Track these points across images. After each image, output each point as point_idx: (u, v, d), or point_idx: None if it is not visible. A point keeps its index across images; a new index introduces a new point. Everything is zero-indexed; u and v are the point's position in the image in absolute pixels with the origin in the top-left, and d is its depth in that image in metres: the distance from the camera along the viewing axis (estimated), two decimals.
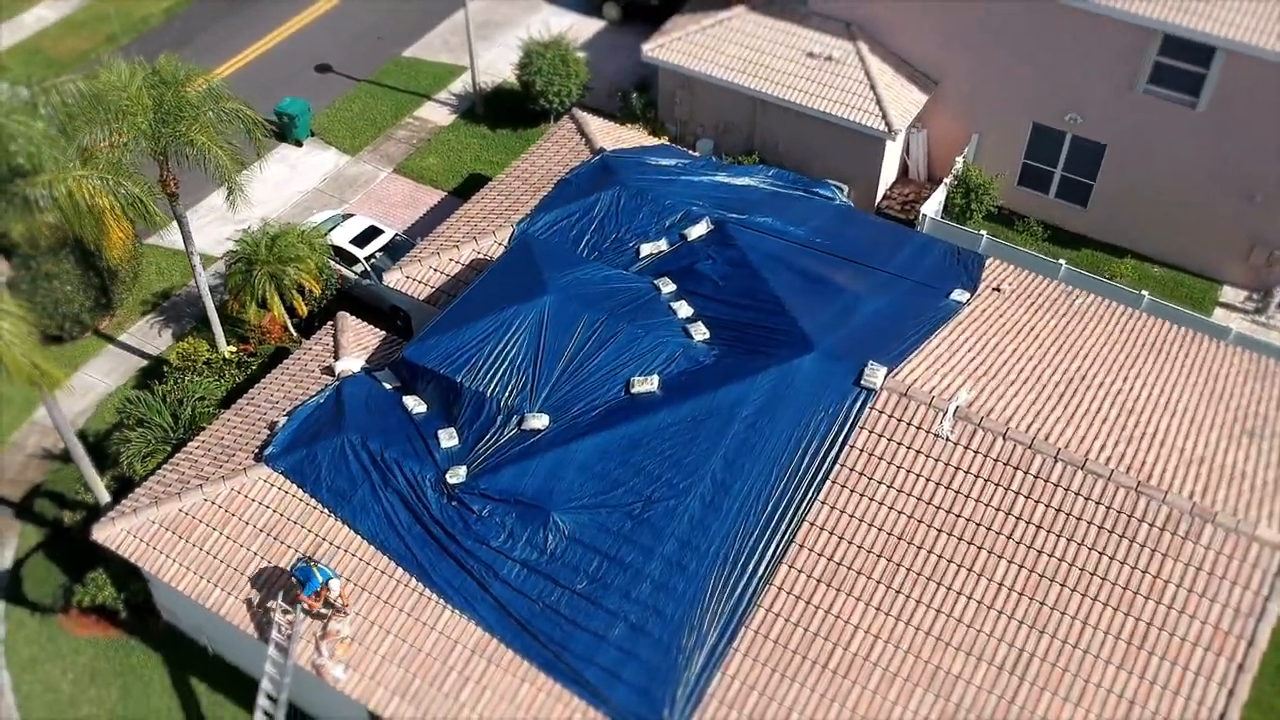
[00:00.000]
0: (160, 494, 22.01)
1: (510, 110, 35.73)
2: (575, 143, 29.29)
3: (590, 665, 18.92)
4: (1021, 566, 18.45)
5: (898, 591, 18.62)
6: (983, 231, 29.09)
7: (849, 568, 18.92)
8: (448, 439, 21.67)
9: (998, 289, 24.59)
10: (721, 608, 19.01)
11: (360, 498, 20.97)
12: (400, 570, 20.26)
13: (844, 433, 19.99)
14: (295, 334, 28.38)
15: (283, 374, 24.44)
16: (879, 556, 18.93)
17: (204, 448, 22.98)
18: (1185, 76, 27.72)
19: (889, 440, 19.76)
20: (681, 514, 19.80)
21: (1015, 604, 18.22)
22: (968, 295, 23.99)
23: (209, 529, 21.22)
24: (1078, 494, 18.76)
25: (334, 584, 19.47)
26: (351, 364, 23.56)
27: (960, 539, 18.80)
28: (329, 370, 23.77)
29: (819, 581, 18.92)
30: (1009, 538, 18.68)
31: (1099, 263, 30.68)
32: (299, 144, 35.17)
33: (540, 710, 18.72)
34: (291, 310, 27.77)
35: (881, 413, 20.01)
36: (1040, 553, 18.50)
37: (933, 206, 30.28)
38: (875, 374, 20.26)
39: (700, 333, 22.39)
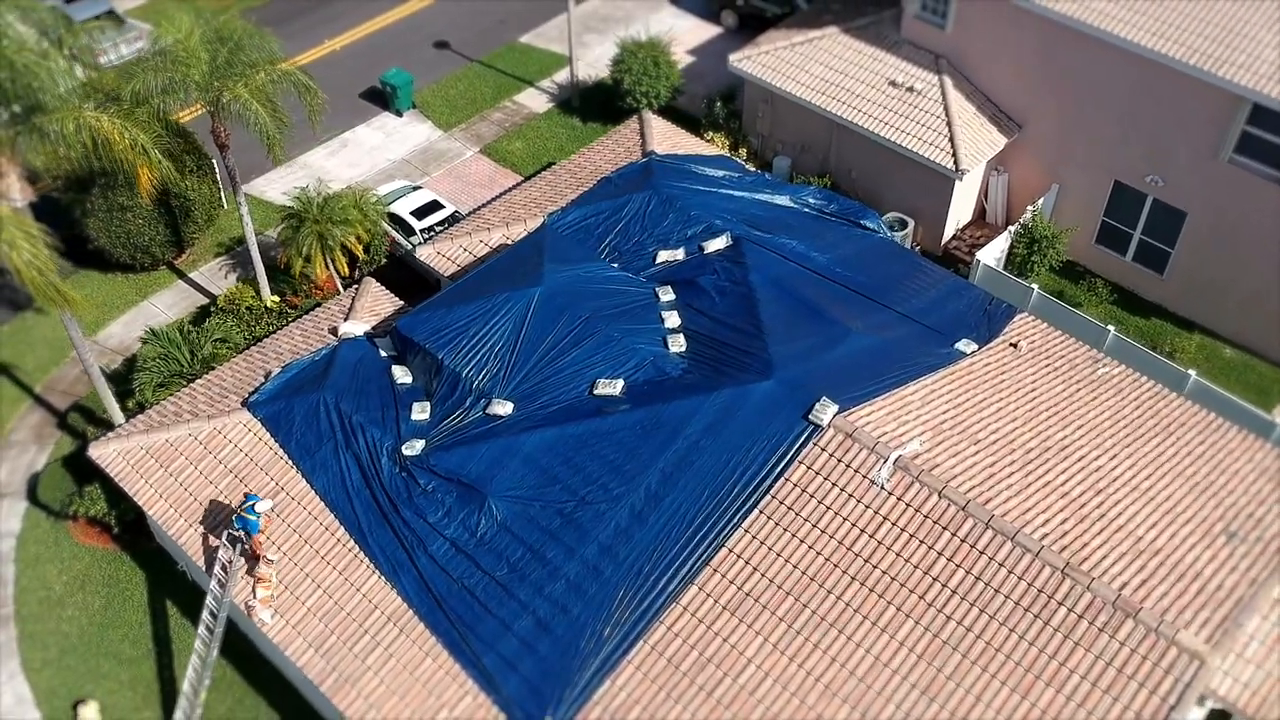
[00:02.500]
0: (155, 423, 23.39)
1: (604, 105, 36.15)
2: (634, 143, 29.48)
3: (491, 652, 19.20)
4: (927, 629, 17.78)
5: (798, 632, 18.21)
6: (1034, 285, 27.87)
7: (756, 600, 18.61)
8: (419, 412, 22.29)
9: (1014, 345, 23.61)
10: (625, 618, 18.98)
11: (322, 455, 21.79)
12: (342, 530, 20.98)
13: (781, 464, 19.63)
14: (344, 292, 29.52)
15: (297, 328, 25.55)
16: (787, 594, 18.55)
17: (206, 386, 24.27)
18: (1274, 150, 25.91)
19: (824, 479, 19.31)
20: (609, 520, 19.84)
21: (912, 666, 17.58)
22: (975, 347, 23.13)
23: (186, 462, 22.44)
24: (1000, 565, 17.94)
25: (261, 506, 20.40)
26: (355, 327, 24.43)
27: (871, 590, 18.25)
28: (335, 330, 24.71)
29: (724, 609, 18.68)
30: (921, 597, 18.02)
31: (1166, 335, 28.99)
32: (399, 114, 36.47)
33: (435, 686, 19.12)
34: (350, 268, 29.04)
35: (824, 450, 19.57)
36: (949, 619, 17.78)
37: (991, 253, 29.18)
38: (825, 410, 19.81)
39: (678, 345, 22.36)
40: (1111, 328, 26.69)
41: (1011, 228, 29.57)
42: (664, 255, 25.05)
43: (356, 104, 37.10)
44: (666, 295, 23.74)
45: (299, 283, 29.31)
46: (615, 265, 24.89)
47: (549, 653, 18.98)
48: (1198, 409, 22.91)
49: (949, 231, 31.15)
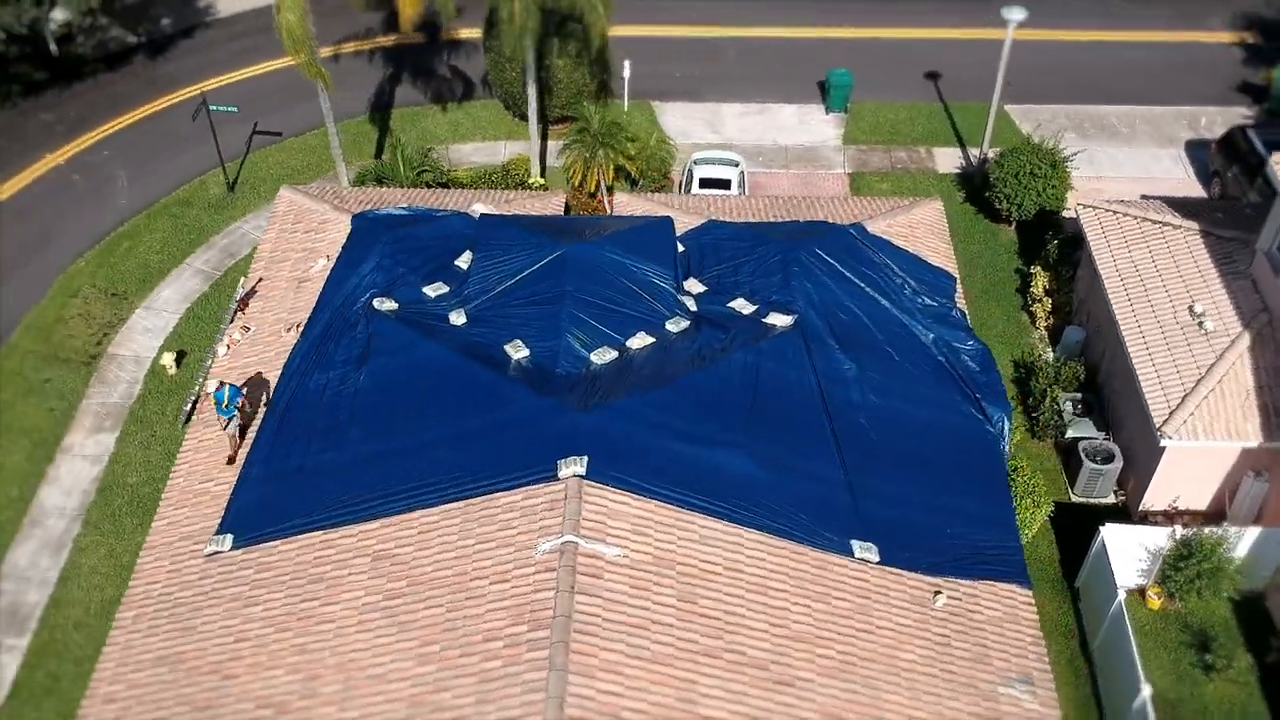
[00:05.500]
0: (328, 197, 28.35)
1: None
2: (881, 209, 27.86)
3: (264, 466, 21.56)
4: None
5: (358, 618, 18.35)
6: (1122, 588, 22.06)
7: (377, 564, 18.94)
8: (432, 289, 24.65)
9: (938, 592, 19.80)
10: (333, 511, 20.27)
11: (343, 274, 25.11)
12: (298, 321, 24.42)
13: (509, 485, 19.28)
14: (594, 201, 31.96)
15: (477, 194, 28.82)
16: (404, 585, 18.57)
17: (375, 196, 28.66)
18: None
19: (518, 517, 18.71)
20: (404, 438, 20.95)
21: None
22: (876, 559, 19.84)
23: (305, 229, 27.25)
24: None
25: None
26: (483, 208, 27.05)
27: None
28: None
29: (360, 556, 19.22)
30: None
31: None
32: (827, 111, 36.80)
33: (206, 475, 22.03)
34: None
35: (542, 498, 18.83)
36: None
37: (1133, 538, 23.23)
38: (569, 466, 18.94)
39: (603, 358, 22.12)
40: (1146, 689, 20.62)
41: (1178, 529, 23.28)
42: (737, 303, 24.17)
43: (810, 88, 37.99)
44: (675, 326, 23.20)
45: (574, 181, 32.16)
46: (699, 287, 24.64)
47: (283, 495, 20.94)
48: None
49: (1154, 501, 25.13)
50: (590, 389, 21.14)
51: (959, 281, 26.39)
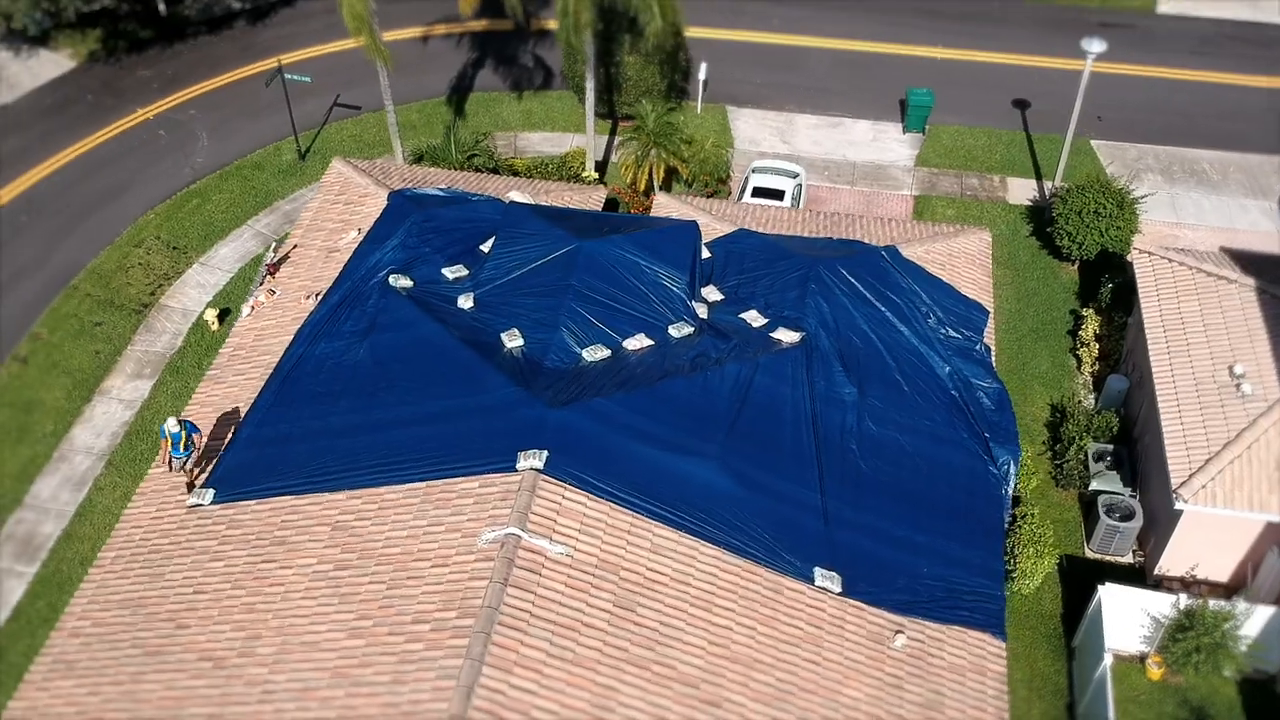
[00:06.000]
0: (374, 172, 28.84)
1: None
2: (920, 234, 27.08)
3: (257, 429, 22.02)
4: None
5: (310, 583, 18.63)
6: (1110, 654, 20.99)
7: (335, 532, 19.19)
8: (453, 272, 24.88)
9: (899, 631, 19.18)
10: (310, 475, 20.60)
11: (369, 248, 25.54)
12: (320, 290, 24.90)
13: (471, 470, 19.30)
14: (647, 200, 31.77)
15: (518, 181, 28.90)
16: (356, 555, 18.80)
17: (421, 175, 29.00)
18: None
19: (472, 503, 18.72)
20: (382, 412, 21.24)
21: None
22: (839, 589, 19.30)
23: (345, 200, 27.76)
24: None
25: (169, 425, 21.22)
26: (519, 197, 27.15)
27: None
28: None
29: (321, 525, 19.48)
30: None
31: None
32: (904, 131, 35.94)
33: (224, 422, 22.71)
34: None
35: (497, 487, 18.81)
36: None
37: (1133, 603, 22.11)
38: (527, 459, 18.90)
39: (596, 355, 22.01)
40: None
41: (1182, 598, 22.05)
42: (749, 315, 23.80)
43: (890, 105, 37.17)
44: (679, 331, 22.93)
45: (625, 179, 32.07)
46: (717, 294, 24.36)
47: (268, 456, 21.40)
48: None
49: (1170, 566, 23.84)
50: (572, 384, 21.02)
51: (992, 316, 25.50)
